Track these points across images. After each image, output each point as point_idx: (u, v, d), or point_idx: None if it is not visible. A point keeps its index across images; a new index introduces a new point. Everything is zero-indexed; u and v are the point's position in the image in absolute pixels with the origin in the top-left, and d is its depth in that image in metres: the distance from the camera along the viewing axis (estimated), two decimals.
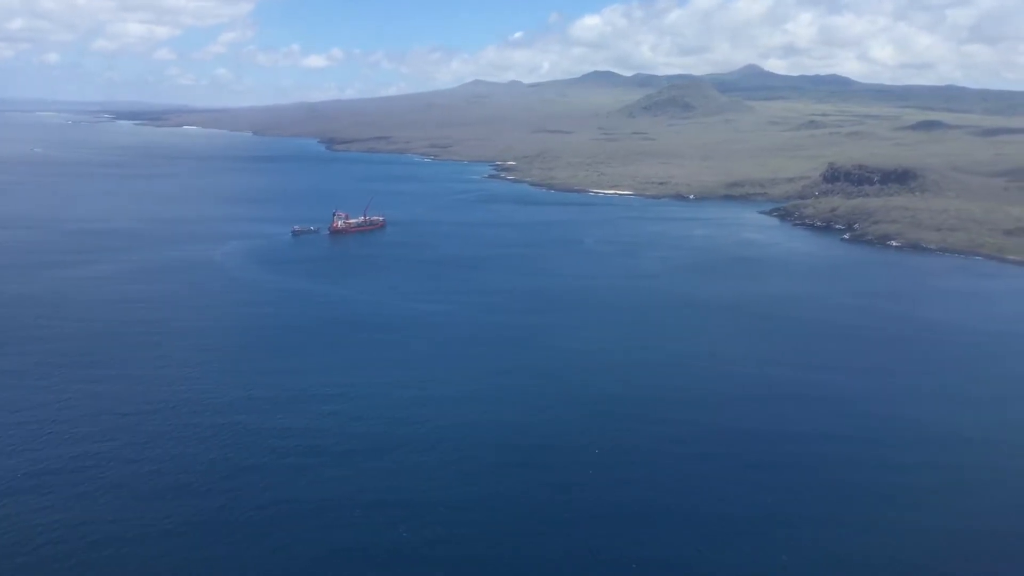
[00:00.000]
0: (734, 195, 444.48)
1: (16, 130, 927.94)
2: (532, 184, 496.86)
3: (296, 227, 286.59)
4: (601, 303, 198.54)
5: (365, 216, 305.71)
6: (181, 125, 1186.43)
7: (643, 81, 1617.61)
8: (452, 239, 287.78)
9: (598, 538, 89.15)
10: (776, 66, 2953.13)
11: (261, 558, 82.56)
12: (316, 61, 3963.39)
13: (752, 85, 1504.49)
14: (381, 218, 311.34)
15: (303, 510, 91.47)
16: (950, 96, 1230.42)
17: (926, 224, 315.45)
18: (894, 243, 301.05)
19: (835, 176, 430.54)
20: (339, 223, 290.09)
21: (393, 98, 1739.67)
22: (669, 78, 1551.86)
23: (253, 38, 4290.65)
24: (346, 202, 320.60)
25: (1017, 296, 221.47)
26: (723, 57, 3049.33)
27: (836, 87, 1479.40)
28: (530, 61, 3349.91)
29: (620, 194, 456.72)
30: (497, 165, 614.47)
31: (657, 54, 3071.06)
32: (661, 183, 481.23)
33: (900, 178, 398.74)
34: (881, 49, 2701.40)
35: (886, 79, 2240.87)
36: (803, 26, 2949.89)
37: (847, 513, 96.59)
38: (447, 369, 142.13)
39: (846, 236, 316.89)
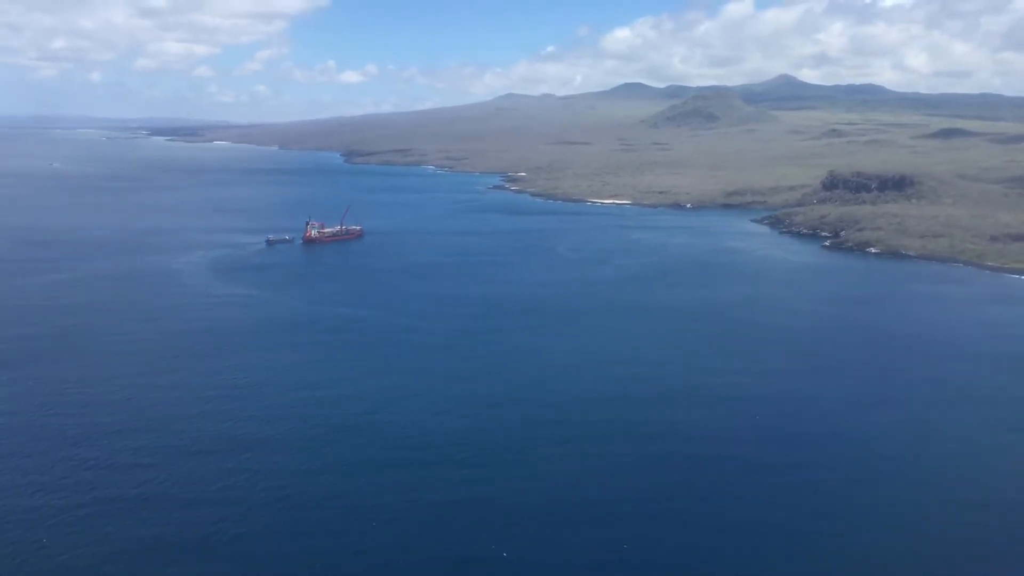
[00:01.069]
0: (733, 204, 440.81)
1: (48, 146, 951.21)
2: (533, 195, 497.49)
3: (271, 236, 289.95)
4: (540, 308, 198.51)
5: (342, 225, 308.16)
6: (212, 140, 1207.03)
7: (674, 93, 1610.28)
8: (423, 248, 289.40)
9: (408, 536, 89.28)
10: (810, 76, 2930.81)
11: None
12: (351, 77, 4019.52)
13: (784, 95, 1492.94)
14: (358, 227, 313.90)
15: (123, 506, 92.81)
16: (984, 104, 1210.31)
17: (911, 231, 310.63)
18: (873, 250, 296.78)
19: (834, 184, 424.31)
20: (312, 232, 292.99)
21: (424, 112, 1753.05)
22: (701, 89, 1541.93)
23: (289, 55, 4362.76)
24: (338, 212, 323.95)
25: (965, 302, 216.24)
26: (756, 68, 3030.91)
27: (869, 96, 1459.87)
28: (562, 74, 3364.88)
29: (618, 204, 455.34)
30: (507, 176, 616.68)
31: (689, 66, 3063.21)
32: (661, 192, 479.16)
33: (897, 185, 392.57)
34: (915, 58, 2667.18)
35: (923, 88, 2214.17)
36: (835, 36, 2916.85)
37: (688, 508, 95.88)
38: (337, 371, 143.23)
39: (827, 243, 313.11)
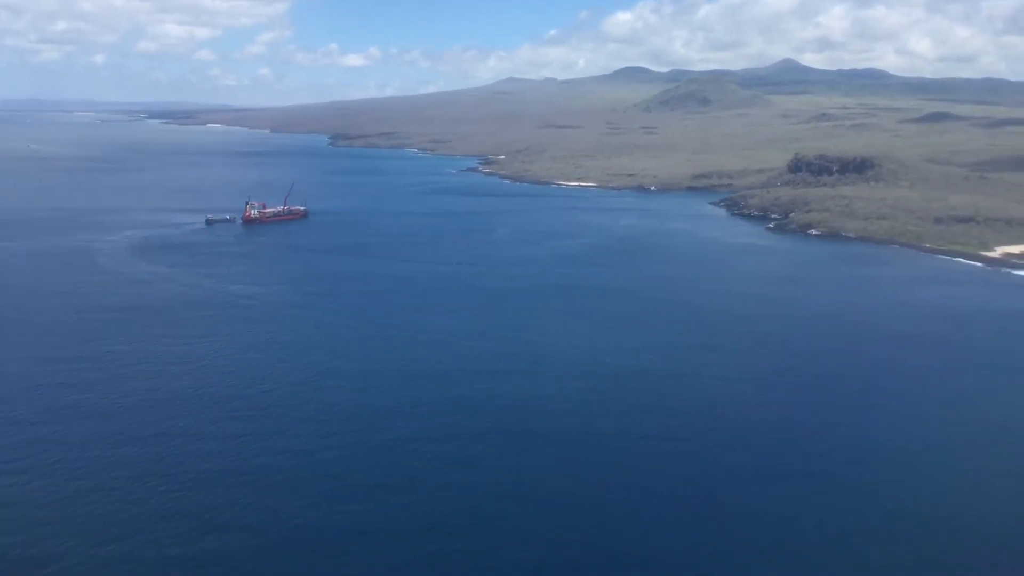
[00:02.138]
0: (698, 186, 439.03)
1: (38, 129, 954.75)
2: (503, 177, 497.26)
3: (210, 216, 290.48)
4: (444, 287, 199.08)
5: (284, 206, 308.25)
6: (205, 123, 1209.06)
7: (675, 77, 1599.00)
8: (361, 228, 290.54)
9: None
10: (813, 60, 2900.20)
11: None
12: (354, 60, 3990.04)
13: (786, 80, 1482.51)
14: (303, 208, 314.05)
15: None
16: (985, 89, 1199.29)
17: (857, 213, 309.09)
18: (814, 232, 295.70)
19: (798, 167, 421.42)
20: (252, 212, 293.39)
21: (425, 96, 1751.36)
22: (704, 73, 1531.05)
23: (291, 38, 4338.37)
24: (299, 192, 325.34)
25: (882, 282, 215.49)
26: (759, 52, 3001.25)
27: (871, 81, 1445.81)
28: (565, 58, 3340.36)
29: (583, 186, 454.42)
30: (485, 159, 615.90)
31: (691, 50, 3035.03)
32: (629, 175, 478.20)
33: (858, 168, 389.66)
34: (918, 43, 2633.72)
35: (928, 73, 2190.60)
36: (836, 19, 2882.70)
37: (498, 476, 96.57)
38: (205, 346, 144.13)
39: (770, 225, 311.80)
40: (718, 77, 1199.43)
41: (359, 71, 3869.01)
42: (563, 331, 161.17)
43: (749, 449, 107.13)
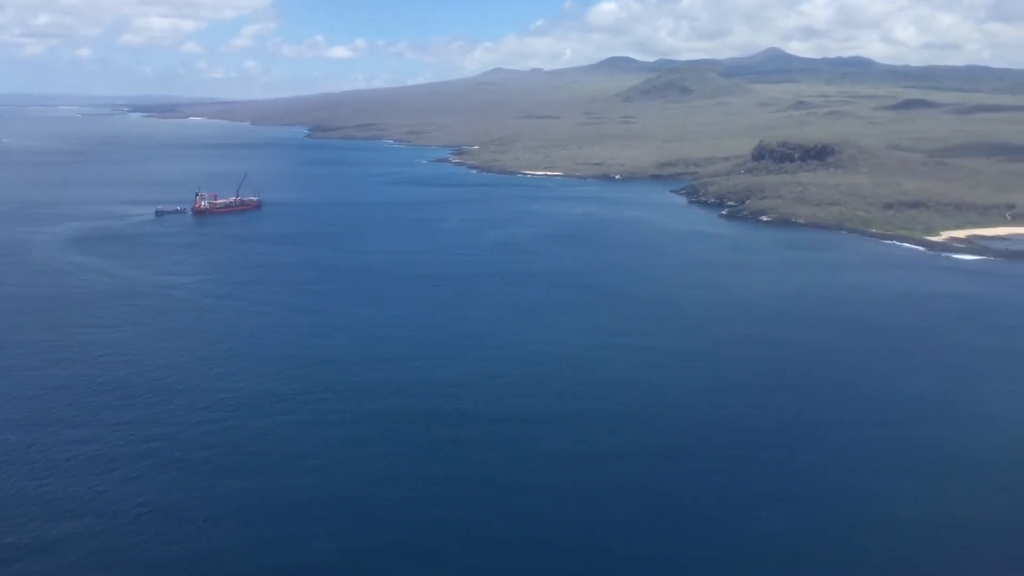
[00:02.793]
0: (664, 175, 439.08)
1: (16, 123, 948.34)
2: (471, 167, 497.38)
3: (160, 207, 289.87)
4: (374, 275, 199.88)
5: (237, 196, 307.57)
6: (187, 117, 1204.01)
7: (661, 66, 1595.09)
8: (311, 218, 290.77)
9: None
10: (798, 49, 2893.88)
11: None
12: (340, 52, 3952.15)
13: (770, 68, 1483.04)
14: (255, 199, 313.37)
15: None
16: (968, 76, 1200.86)
17: (809, 199, 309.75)
18: (765, 218, 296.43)
19: (761, 155, 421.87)
20: (202, 203, 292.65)
21: (410, 87, 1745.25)
22: (686, 63, 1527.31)
23: (276, 30, 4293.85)
24: (253, 183, 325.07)
25: (819, 266, 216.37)
26: (745, 41, 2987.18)
27: (855, 69, 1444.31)
28: (552, 49, 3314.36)
29: (550, 175, 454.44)
30: (458, 149, 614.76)
31: (677, 39, 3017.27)
32: (596, 164, 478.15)
33: (818, 155, 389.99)
34: (903, 30, 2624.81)
35: (914, 61, 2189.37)
36: (820, 8, 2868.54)
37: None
38: (116, 334, 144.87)
39: (724, 212, 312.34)
40: (699, 66, 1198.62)
41: (346, 63, 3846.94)
42: (484, 318, 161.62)
43: (637, 430, 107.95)
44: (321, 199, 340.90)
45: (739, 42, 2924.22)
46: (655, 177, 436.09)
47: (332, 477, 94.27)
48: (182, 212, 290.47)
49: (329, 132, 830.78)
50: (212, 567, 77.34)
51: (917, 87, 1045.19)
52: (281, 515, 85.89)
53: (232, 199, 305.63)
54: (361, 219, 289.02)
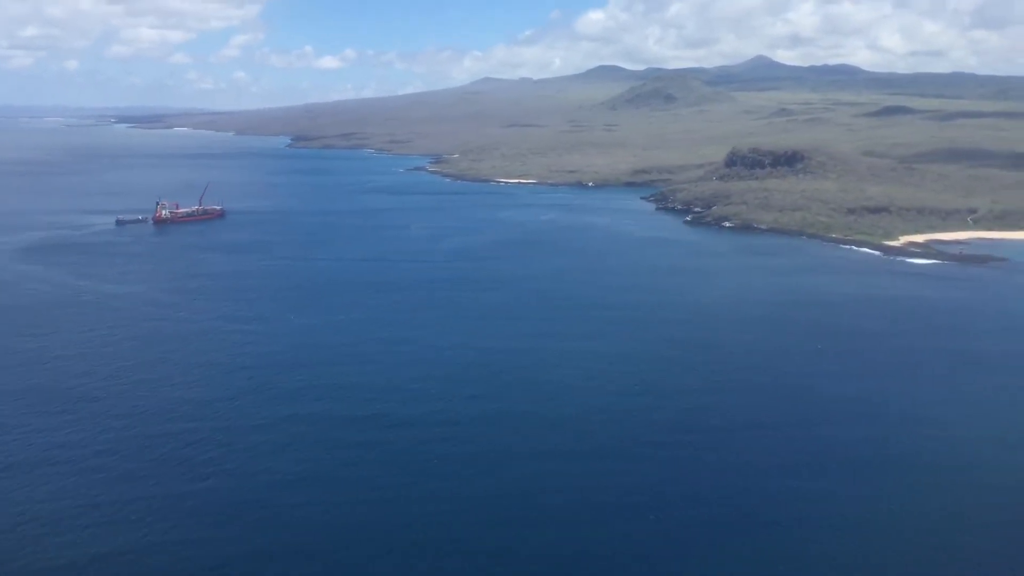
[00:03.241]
0: (637, 182, 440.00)
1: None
2: (446, 175, 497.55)
3: (121, 216, 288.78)
4: (325, 282, 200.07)
5: (199, 206, 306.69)
6: (172, 127, 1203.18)
7: (649, 75, 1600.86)
8: (274, 226, 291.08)
9: None
10: (786, 57, 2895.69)
11: None
12: (330, 62, 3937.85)
13: (758, 76, 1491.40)
14: (219, 208, 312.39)
15: None
16: (952, 83, 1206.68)
17: (773, 205, 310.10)
18: (728, 224, 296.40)
19: (734, 161, 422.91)
20: (163, 213, 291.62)
21: (399, 97, 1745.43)
22: (671, 71, 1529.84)
23: (265, 41, 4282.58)
24: (234, 192, 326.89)
25: (768, 271, 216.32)
26: (733, 49, 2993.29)
27: (841, 76, 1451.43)
28: (541, 58, 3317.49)
29: (523, 183, 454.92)
30: (438, 158, 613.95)
31: (664, 47, 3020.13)
32: (571, 171, 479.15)
33: (788, 161, 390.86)
34: (889, 38, 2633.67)
35: (901, 68, 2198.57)
36: (805, 15, 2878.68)
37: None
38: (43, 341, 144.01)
39: (688, 218, 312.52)
40: (683, 75, 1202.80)
41: (335, 73, 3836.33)
42: (419, 322, 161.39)
43: (545, 431, 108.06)
44: (287, 208, 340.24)
45: (727, 50, 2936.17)
46: (629, 184, 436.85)
47: (229, 482, 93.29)
48: (143, 221, 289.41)
49: (310, 141, 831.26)
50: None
51: (901, 94, 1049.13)
52: (168, 521, 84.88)
53: (194, 208, 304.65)
54: (322, 227, 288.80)
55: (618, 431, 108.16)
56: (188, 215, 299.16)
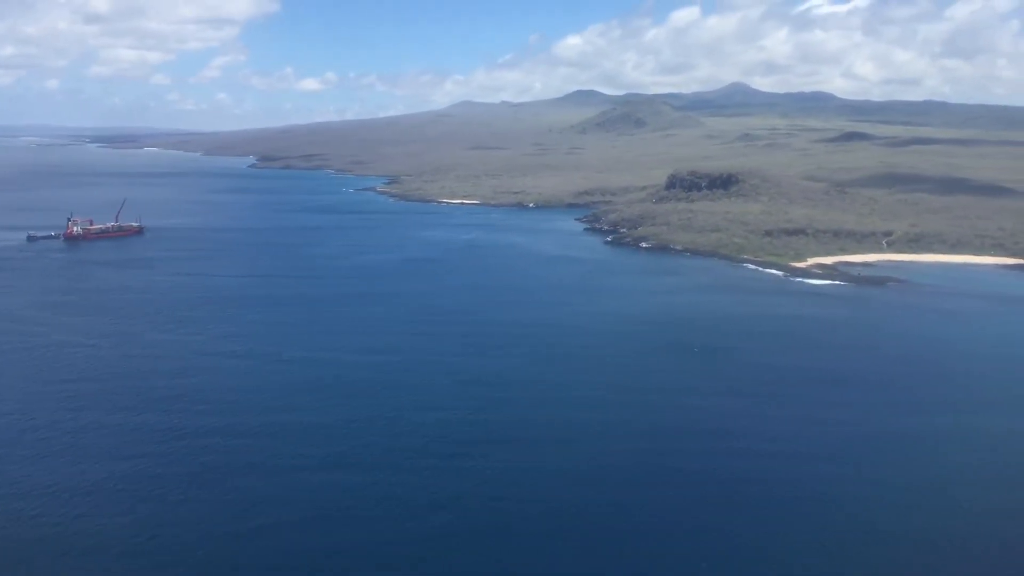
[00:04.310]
0: (579, 203, 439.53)
1: None
2: (392, 195, 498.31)
3: (32, 232, 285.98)
4: (204, 299, 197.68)
5: (116, 222, 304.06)
6: (143, 147, 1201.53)
7: (626, 100, 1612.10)
8: (188, 243, 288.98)
9: None
10: (763, 84, 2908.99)
11: None
12: (311, 84, 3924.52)
13: (733, 102, 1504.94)
14: (136, 224, 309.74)
15: None
16: (921, 111, 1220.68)
17: (693, 226, 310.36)
18: (645, 244, 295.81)
19: (673, 184, 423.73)
20: (75, 229, 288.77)
21: (378, 120, 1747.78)
22: (656, 97, 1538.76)
23: (246, 62, 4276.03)
24: (167, 209, 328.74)
25: (655, 292, 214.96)
26: (709, 75, 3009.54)
27: (816, 103, 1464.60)
28: (521, 82, 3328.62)
29: (465, 203, 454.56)
30: (393, 178, 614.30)
31: (643, 73, 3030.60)
32: (516, 193, 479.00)
33: (723, 184, 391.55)
34: (862, 66, 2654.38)
35: (876, 96, 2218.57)
36: (779, 43, 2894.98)
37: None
38: None
39: (608, 239, 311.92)
40: (653, 100, 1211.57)
41: (317, 95, 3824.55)
42: (273, 336, 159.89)
43: (334, 442, 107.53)
44: (211, 225, 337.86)
45: (704, 76, 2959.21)
46: (571, 205, 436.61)
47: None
48: (55, 237, 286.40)
49: (273, 161, 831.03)
50: None
51: (868, 121, 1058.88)
52: None
53: (109, 224, 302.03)
54: (236, 244, 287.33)
55: (400, 441, 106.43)
56: (101, 232, 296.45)
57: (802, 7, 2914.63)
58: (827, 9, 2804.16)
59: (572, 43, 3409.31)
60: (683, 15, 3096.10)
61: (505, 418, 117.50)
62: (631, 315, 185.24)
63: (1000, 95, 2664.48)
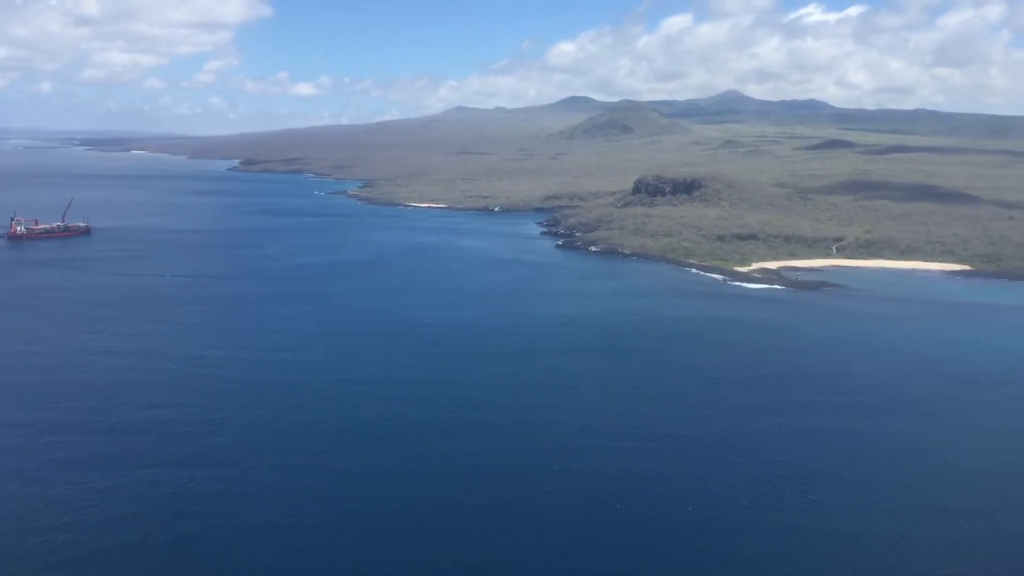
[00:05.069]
0: (546, 207, 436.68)
1: None
2: (361, 199, 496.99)
3: None
4: (121, 298, 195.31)
5: (62, 222, 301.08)
6: (130, 150, 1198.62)
7: (615, 107, 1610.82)
8: (130, 244, 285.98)
9: None
10: (756, 91, 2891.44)
11: None
12: (305, 89, 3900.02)
13: (726, 109, 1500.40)
14: (84, 224, 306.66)
15: None
16: (910, 119, 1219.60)
17: (646, 230, 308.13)
18: (594, 248, 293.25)
19: (639, 188, 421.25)
20: (18, 229, 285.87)
21: (372, 125, 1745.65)
22: (641, 103, 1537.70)
23: (240, 67, 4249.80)
24: (125, 210, 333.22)
25: (574, 295, 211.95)
26: (703, 82, 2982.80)
27: (809, 111, 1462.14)
28: (516, 88, 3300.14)
29: (432, 207, 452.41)
30: (368, 182, 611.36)
31: (636, 80, 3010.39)
32: (484, 196, 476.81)
33: (687, 189, 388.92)
34: (856, 74, 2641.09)
35: (869, 104, 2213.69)
36: (772, 51, 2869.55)
37: None
38: None
39: (560, 243, 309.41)
40: (643, 106, 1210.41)
41: (312, 100, 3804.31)
42: (188, 334, 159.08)
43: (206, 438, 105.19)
44: (163, 226, 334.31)
45: (699, 84, 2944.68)
46: (538, 209, 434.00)
47: None
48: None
49: (254, 165, 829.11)
50: None
51: (858, 129, 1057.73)
52: None
53: (54, 224, 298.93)
54: (180, 244, 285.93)
55: (232, 440, 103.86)
56: (46, 232, 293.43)
57: (793, 15, 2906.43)
58: (818, 17, 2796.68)
59: (565, 49, 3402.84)
60: (675, 22, 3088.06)
61: (370, 417, 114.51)
62: (552, 317, 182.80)
63: (994, 104, 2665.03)
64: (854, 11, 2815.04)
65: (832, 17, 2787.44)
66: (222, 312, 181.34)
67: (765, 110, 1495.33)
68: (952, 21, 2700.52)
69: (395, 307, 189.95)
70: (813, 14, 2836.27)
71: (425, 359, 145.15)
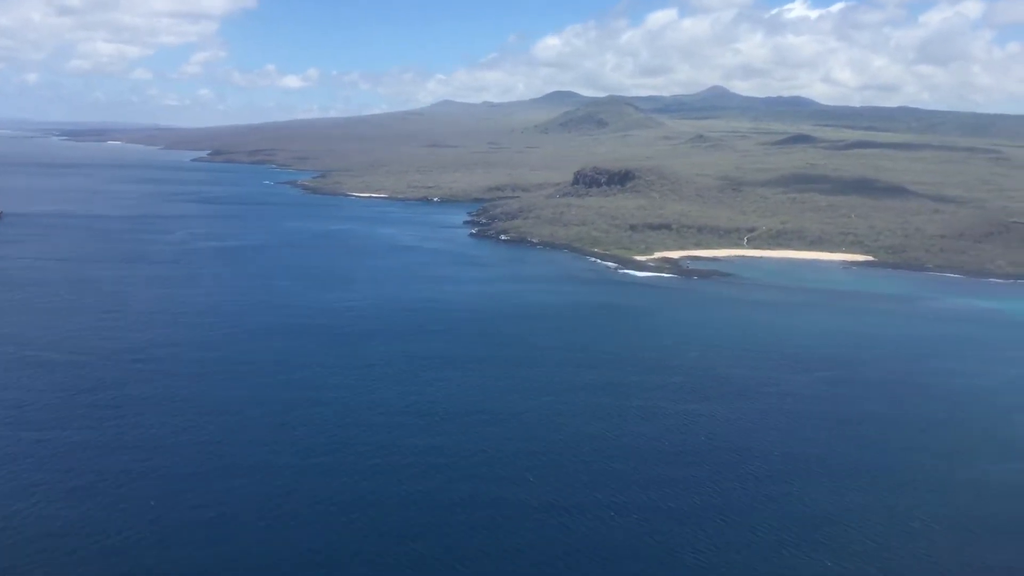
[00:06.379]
0: (485, 198, 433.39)
1: None
2: (304, 189, 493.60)
3: None
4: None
5: None
6: (106, 141, 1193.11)
7: (593, 101, 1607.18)
8: (32, 228, 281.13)
9: None
10: (743, 88, 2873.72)
11: None
12: (293, 82, 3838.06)
13: (710, 106, 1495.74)
14: None
15: None
16: (891, 116, 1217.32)
17: (565, 220, 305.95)
18: (504, 237, 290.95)
19: (578, 179, 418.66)
20: None
21: (359, 118, 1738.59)
22: (639, 99, 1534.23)
23: (227, 59, 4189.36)
24: (54, 196, 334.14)
25: (456, 281, 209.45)
26: (689, 78, 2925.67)
27: (793, 108, 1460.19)
28: (503, 82, 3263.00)
29: (373, 197, 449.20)
30: (323, 173, 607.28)
31: (622, 75, 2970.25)
32: (427, 187, 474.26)
33: (621, 180, 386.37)
34: (841, 71, 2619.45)
35: (855, 101, 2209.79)
36: (755, 47, 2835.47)
37: None
38: None
39: (473, 231, 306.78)
40: (619, 101, 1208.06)
41: (300, 93, 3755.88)
42: (65, 317, 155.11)
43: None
44: (80, 212, 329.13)
45: (684, 79, 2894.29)
46: (477, 200, 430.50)
47: None
48: None
49: (219, 156, 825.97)
50: None
51: (832, 126, 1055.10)
52: None
53: None
54: (83, 229, 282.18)
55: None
56: None
57: (774, 11, 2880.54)
58: (799, 12, 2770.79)
59: (551, 43, 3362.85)
60: (659, 17, 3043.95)
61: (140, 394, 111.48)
62: (415, 301, 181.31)
63: (978, 102, 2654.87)
64: (835, 7, 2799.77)
65: (814, 13, 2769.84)
66: (68, 295, 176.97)
67: (749, 106, 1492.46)
68: (934, 18, 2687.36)
69: (255, 289, 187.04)
70: (795, 10, 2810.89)
71: (247, 337, 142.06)
